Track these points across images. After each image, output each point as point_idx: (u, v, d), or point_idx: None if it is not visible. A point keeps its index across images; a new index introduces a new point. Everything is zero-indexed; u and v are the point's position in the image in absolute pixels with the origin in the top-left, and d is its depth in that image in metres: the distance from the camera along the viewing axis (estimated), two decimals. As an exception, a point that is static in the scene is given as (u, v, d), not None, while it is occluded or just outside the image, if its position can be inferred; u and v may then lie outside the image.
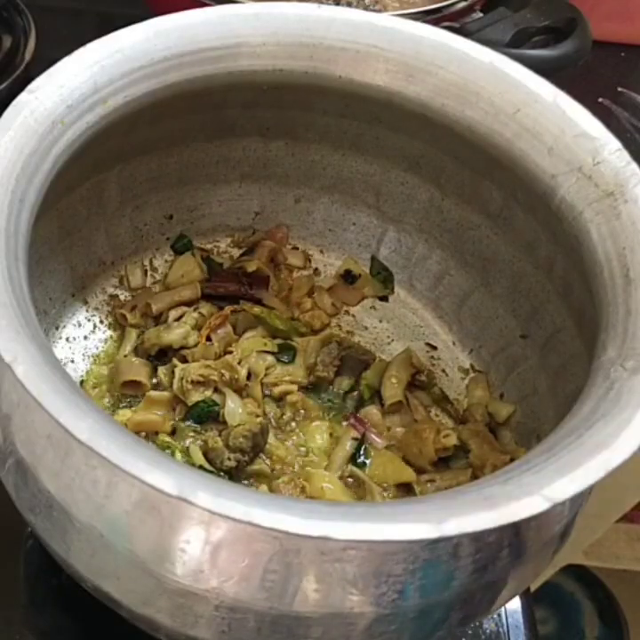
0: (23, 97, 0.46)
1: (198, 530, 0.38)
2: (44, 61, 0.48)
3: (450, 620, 0.42)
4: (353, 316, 0.66)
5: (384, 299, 0.66)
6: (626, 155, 0.49)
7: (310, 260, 0.67)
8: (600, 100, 0.84)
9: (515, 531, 0.42)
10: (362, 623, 0.40)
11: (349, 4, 0.77)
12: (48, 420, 0.36)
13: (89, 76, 0.48)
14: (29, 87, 0.46)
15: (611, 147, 0.49)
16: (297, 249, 0.67)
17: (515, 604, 0.58)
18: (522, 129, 0.50)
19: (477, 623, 0.56)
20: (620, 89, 0.86)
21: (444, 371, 0.63)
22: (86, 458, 0.40)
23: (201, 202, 0.64)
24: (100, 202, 0.58)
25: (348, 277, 0.66)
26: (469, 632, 0.56)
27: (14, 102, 0.45)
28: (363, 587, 0.39)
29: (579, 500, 0.46)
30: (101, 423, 0.36)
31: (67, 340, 0.60)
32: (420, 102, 0.53)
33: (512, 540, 0.42)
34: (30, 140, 0.45)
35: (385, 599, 0.40)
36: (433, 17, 0.72)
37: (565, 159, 0.49)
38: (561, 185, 0.49)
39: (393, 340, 0.65)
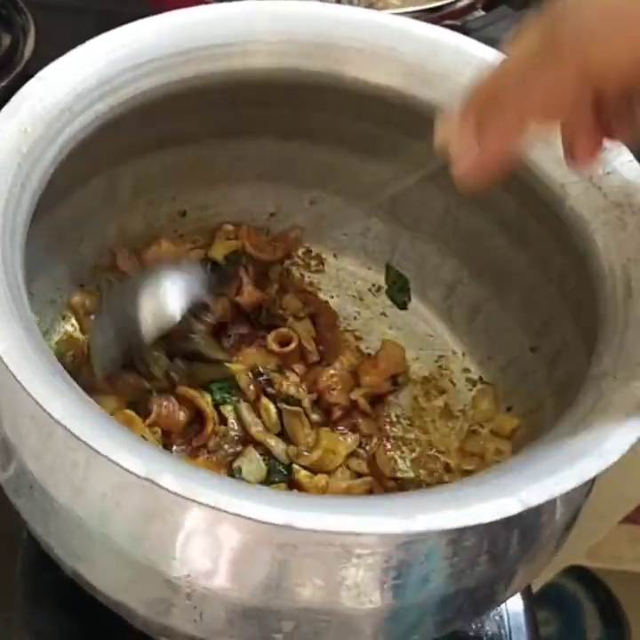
0: (32, 83, 0.46)
1: (171, 516, 0.38)
2: (44, 59, 0.48)
3: (426, 624, 0.41)
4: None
5: (403, 307, 0.65)
6: (637, 166, 0.48)
7: (323, 264, 0.66)
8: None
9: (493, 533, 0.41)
10: (335, 621, 0.40)
11: (351, 2, 0.77)
12: (31, 400, 0.36)
13: (100, 66, 0.48)
14: (39, 74, 0.47)
15: (622, 158, 0.48)
16: (310, 252, 0.66)
17: (517, 606, 0.57)
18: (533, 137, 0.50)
19: (479, 624, 0.55)
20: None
21: (451, 381, 0.63)
22: (66, 439, 0.40)
23: (215, 200, 0.63)
24: (113, 194, 0.59)
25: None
26: (471, 634, 0.55)
27: (22, 89, 0.46)
28: (335, 583, 0.38)
29: (577, 499, 0.45)
30: (78, 403, 0.36)
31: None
32: (435, 107, 0.53)
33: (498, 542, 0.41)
34: (37, 126, 0.45)
35: (361, 598, 0.39)
36: (434, 15, 0.71)
37: (575, 168, 0.48)
38: (569, 194, 0.48)
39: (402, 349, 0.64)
